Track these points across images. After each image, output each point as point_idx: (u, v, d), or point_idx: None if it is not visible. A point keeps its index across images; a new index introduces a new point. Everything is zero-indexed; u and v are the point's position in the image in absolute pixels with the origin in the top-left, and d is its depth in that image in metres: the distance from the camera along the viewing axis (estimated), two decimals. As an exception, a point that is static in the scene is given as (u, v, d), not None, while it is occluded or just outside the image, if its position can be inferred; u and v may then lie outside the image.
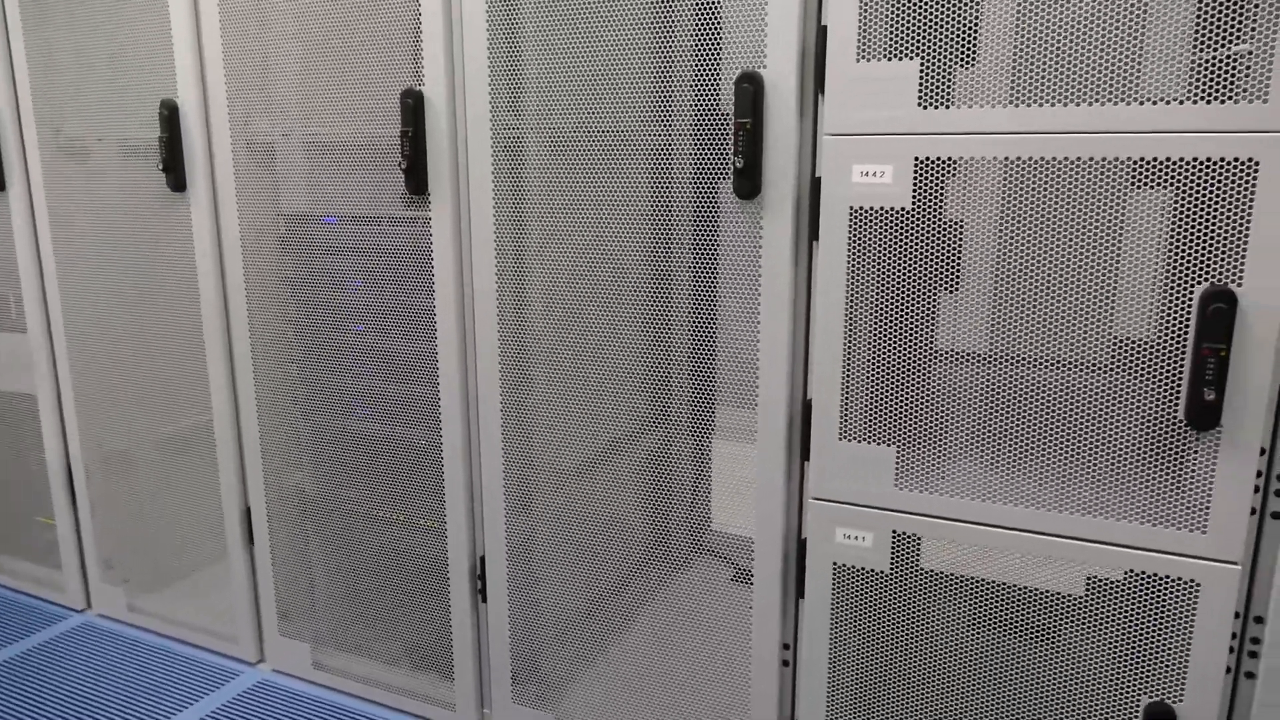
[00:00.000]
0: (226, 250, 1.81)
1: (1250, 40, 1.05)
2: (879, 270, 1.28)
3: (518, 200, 1.54)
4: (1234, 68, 1.07)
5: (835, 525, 1.33)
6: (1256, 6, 1.04)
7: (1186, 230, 1.11)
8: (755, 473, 1.39)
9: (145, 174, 1.92)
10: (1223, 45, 1.08)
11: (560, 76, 1.47)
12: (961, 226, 1.26)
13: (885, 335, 1.29)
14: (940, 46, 1.19)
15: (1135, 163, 1.12)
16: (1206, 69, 1.09)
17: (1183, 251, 1.12)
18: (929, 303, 1.29)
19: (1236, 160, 1.06)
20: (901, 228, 1.25)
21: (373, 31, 1.58)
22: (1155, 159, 1.10)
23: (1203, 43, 1.10)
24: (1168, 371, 1.15)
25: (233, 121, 1.74)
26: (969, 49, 1.20)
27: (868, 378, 1.32)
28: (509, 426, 1.61)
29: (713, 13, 1.37)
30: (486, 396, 1.60)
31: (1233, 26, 1.06)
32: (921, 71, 1.18)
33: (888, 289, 1.28)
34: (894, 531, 1.30)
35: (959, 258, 1.27)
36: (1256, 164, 1.05)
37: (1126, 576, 1.23)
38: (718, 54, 1.37)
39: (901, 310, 1.28)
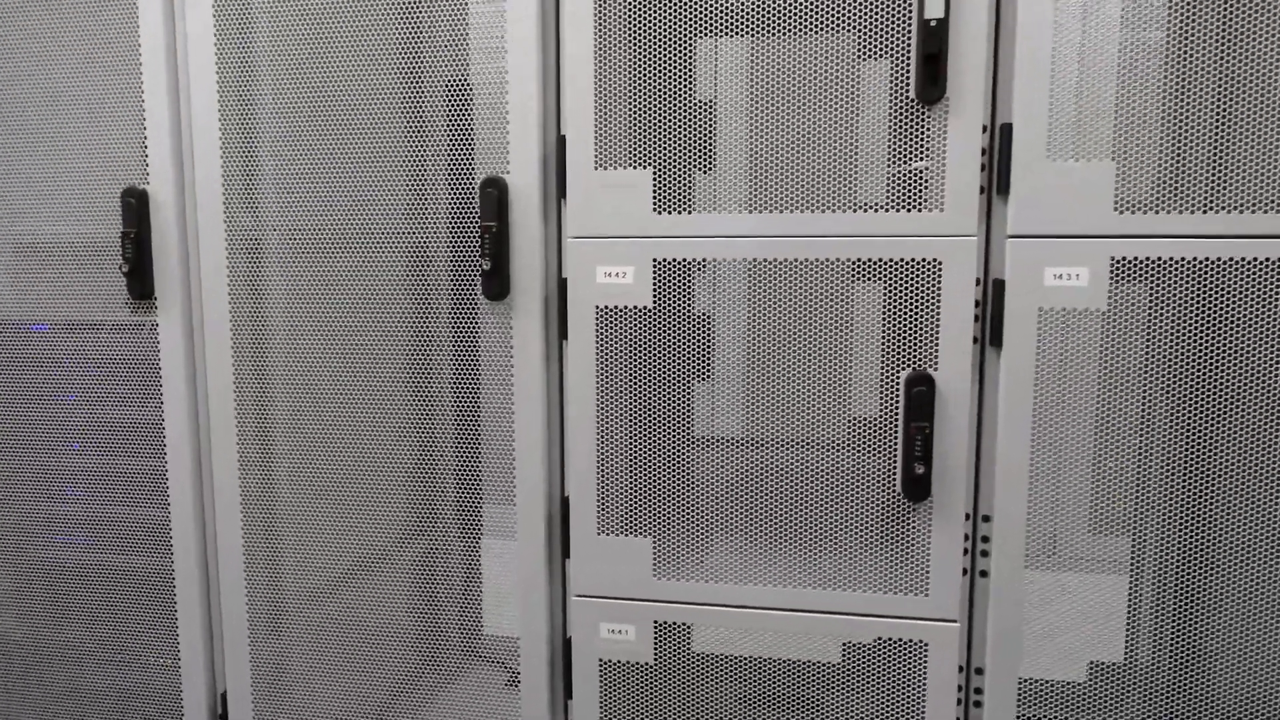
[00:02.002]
0: (-95, 364, 1.57)
1: (926, 158, 1.21)
2: (630, 365, 1.33)
3: (258, 303, 1.47)
4: (918, 181, 1.23)
5: (599, 621, 1.33)
6: (928, 129, 1.20)
7: (895, 322, 1.25)
8: (518, 573, 1.37)
9: None
10: (908, 162, 1.23)
11: (306, 176, 1.43)
12: (710, 320, 1.34)
13: (640, 427, 1.33)
14: (675, 156, 1.27)
15: (855, 263, 1.24)
16: (900, 182, 1.24)
17: (892, 340, 1.25)
18: (683, 392, 1.35)
19: (925, 261, 1.21)
20: (647, 325, 1.30)
21: (93, 124, 1.46)
22: (869, 260, 1.23)
23: (895, 159, 1.25)
24: (890, 449, 1.26)
25: (-85, 219, 1.54)
26: (705, 159, 1.29)
27: (624, 471, 1.35)
28: (253, 544, 1.49)
29: (464, 118, 1.39)
30: (226, 514, 1.47)
31: (913, 146, 1.22)
32: (655, 179, 1.26)
33: (640, 382, 1.32)
34: (655, 622, 1.32)
35: (709, 349, 1.34)
36: (940, 264, 1.20)
37: (876, 643, 1.32)
38: (471, 158, 1.39)
39: (655, 402, 1.32)
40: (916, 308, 1.22)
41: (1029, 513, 1.23)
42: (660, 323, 1.30)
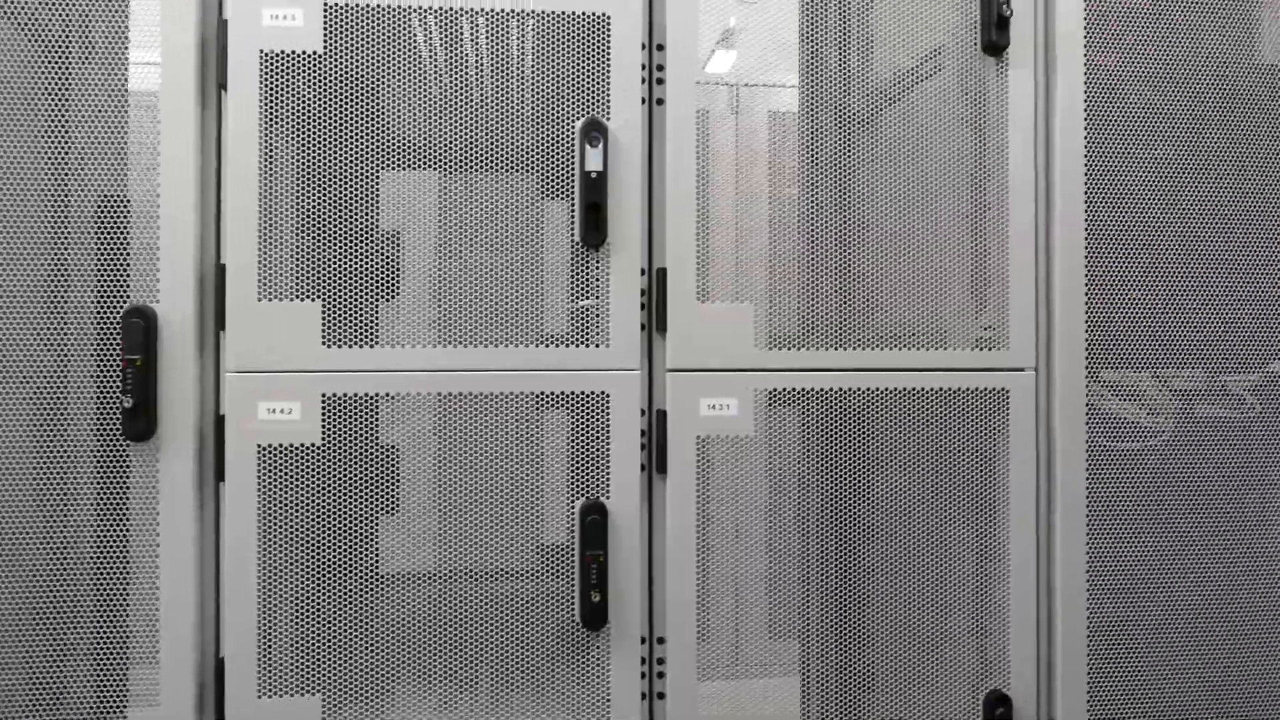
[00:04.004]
0: None
1: (593, 297, 1.29)
2: (299, 506, 1.25)
3: None
4: (587, 319, 1.29)
5: (258, 797, 1.19)
6: (594, 270, 1.28)
7: (573, 452, 1.28)
8: (163, 752, 1.20)
9: None
10: (579, 299, 1.30)
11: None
12: (396, 453, 1.30)
13: (311, 572, 1.24)
14: (350, 288, 1.24)
15: (537, 395, 1.27)
16: (574, 319, 1.30)
17: (572, 470, 1.28)
18: (363, 531, 1.28)
19: (595, 393, 1.26)
20: (317, 463, 1.24)
21: None
22: (548, 392, 1.26)
23: (573, 297, 1.31)
24: (572, 579, 1.27)
25: None
26: (388, 291, 1.27)
27: (292, 622, 1.25)
28: None
29: (120, 238, 1.27)
30: None
31: (584, 285, 1.29)
32: (325, 312, 1.22)
33: (311, 523, 1.24)
34: (325, 789, 1.21)
35: (394, 484, 1.29)
36: (608, 396, 1.26)
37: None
38: (126, 283, 1.26)
39: (329, 544, 1.25)
40: (589, 438, 1.27)
41: (700, 629, 1.29)
42: (332, 460, 1.24)
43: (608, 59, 1.27)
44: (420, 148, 1.30)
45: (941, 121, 1.41)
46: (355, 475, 1.25)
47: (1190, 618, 1.40)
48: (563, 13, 1.27)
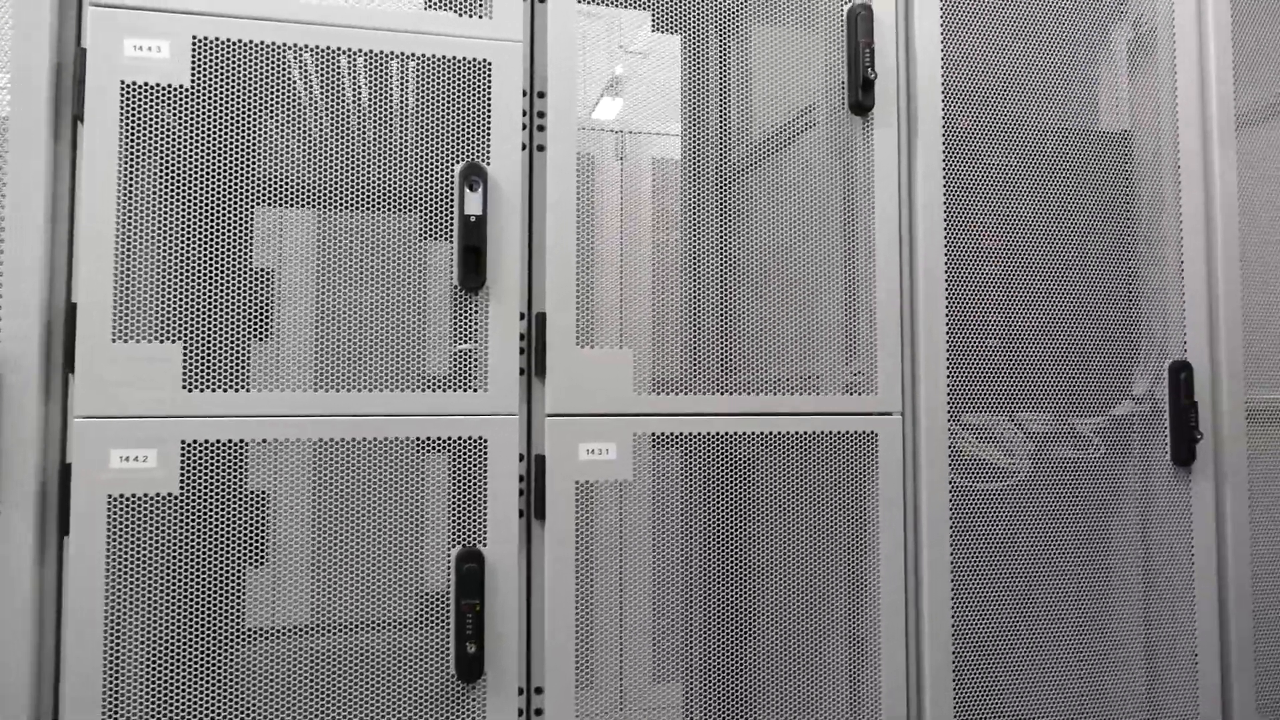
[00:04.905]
0: None
1: (472, 340, 1.27)
2: (155, 560, 1.17)
3: None
4: (466, 362, 1.28)
5: None
6: (473, 314, 1.27)
7: (451, 499, 1.26)
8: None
9: None
10: (458, 343, 1.28)
11: None
12: (265, 500, 1.24)
13: (167, 630, 1.17)
14: (215, 330, 1.19)
15: (419, 441, 1.24)
16: (453, 362, 1.29)
17: (450, 517, 1.26)
18: (228, 584, 1.21)
19: (472, 439, 1.25)
20: (175, 514, 1.17)
21: None
22: (431, 438, 1.23)
23: (454, 339, 1.29)
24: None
25: None
26: (259, 333, 1.23)
27: (143, 687, 1.17)
28: None
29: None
30: None
31: (463, 328, 1.27)
32: (187, 354, 1.17)
33: (169, 578, 1.17)
34: None
35: (262, 533, 1.24)
36: (486, 441, 1.25)
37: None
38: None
39: (189, 599, 1.18)
40: (467, 484, 1.25)
41: (581, 677, 1.27)
42: (192, 510, 1.17)
43: (489, 104, 1.27)
44: (297, 185, 1.27)
45: (814, 175, 1.47)
46: (218, 526, 1.19)
47: (1044, 646, 1.47)
48: (444, 57, 1.26)
